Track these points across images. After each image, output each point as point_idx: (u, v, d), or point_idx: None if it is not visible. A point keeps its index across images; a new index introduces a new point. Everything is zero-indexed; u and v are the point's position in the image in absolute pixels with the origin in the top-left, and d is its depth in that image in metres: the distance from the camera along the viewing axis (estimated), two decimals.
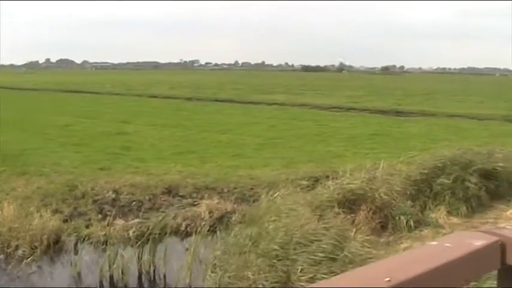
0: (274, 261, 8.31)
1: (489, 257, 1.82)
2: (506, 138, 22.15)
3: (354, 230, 9.72)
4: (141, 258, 10.71)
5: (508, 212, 12.66)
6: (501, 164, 13.57)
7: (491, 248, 1.81)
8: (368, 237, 9.72)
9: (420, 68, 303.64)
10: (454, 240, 1.84)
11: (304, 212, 10.19)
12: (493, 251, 1.82)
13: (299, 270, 7.94)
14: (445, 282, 1.60)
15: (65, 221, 12.25)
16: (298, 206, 10.62)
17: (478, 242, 1.77)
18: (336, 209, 10.37)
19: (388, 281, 1.42)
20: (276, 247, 8.54)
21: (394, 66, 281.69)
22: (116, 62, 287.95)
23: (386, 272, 1.47)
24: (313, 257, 8.19)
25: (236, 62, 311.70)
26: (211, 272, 9.19)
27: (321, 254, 8.24)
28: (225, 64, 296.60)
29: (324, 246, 8.49)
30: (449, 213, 12.19)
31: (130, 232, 11.64)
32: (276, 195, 11.62)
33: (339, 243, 8.67)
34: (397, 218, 10.86)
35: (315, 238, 8.74)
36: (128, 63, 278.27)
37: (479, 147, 15.22)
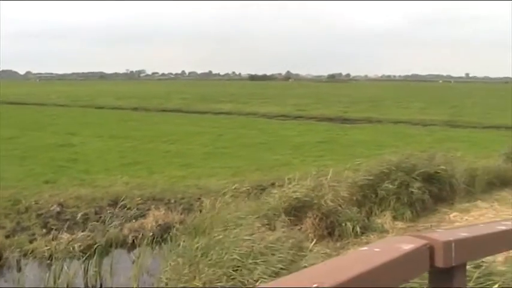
0: (231, 271, 8.28)
1: (418, 260, 1.86)
2: (450, 143, 22.66)
3: (314, 241, 9.73)
4: (87, 272, 10.54)
5: (451, 215, 12.93)
6: (443, 167, 13.88)
7: (420, 251, 1.86)
8: (322, 246, 9.76)
9: (366, 76, 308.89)
10: (383, 244, 1.88)
11: (252, 221, 10.20)
12: (421, 254, 1.87)
13: (258, 282, 7.90)
14: (374, 285, 1.62)
15: (7, 236, 11.93)
16: (245, 214, 10.63)
17: (407, 245, 1.81)
18: (283, 217, 10.41)
19: (316, 287, 1.44)
20: (235, 257, 8.49)
21: (340, 74, 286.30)
22: (60, 72, 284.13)
23: (315, 278, 1.49)
24: (271, 267, 8.18)
25: (183, 71, 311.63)
26: (166, 283, 9.12)
27: (279, 265, 8.23)
28: (171, 74, 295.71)
29: (282, 256, 8.51)
30: (394, 218, 12.36)
31: (76, 246, 11.42)
32: (223, 204, 11.60)
33: (296, 253, 8.71)
34: (343, 224, 10.95)
35: (273, 248, 8.75)
36: (73, 73, 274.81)
37: (423, 152, 15.53)
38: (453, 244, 1.97)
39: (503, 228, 2.44)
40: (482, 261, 6.94)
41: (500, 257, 8.11)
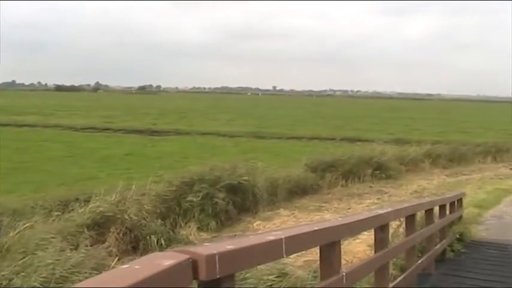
0: None
1: (179, 274, 1.94)
2: (255, 154, 23.54)
3: (117, 259, 9.53)
4: None
5: (255, 224, 13.43)
6: (245, 178, 14.36)
7: (182, 266, 1.93)
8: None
9: (177, 88, 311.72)
10: (144, 261, 1.93)
11: (57, 241, 9.80)
12: (183, 268, 1.95)
13: None
14: None
15: None
16: (48, 234, 10.18)
17: (168, 261, 1.88)
18: (86, 234, 10.14)
19: None
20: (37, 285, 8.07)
21: (151, 85, 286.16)
22: None
23: None
24: None
25: None
26: None
27: None
28: None
29: (85, 276, 8.26)
30: (199, 229, 12.58)
31: None
32: (23, 224, 11.01)
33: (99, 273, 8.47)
34: (147, 237, 10.90)
35: (75, 270, 8.46)
36: None
37: (227, 163, 15.94)
38: (217, 257, 2.07)
39: (272, 238, 2.61)
40: (285, 270, 7.28)
41: (299, 262, 8.57)
